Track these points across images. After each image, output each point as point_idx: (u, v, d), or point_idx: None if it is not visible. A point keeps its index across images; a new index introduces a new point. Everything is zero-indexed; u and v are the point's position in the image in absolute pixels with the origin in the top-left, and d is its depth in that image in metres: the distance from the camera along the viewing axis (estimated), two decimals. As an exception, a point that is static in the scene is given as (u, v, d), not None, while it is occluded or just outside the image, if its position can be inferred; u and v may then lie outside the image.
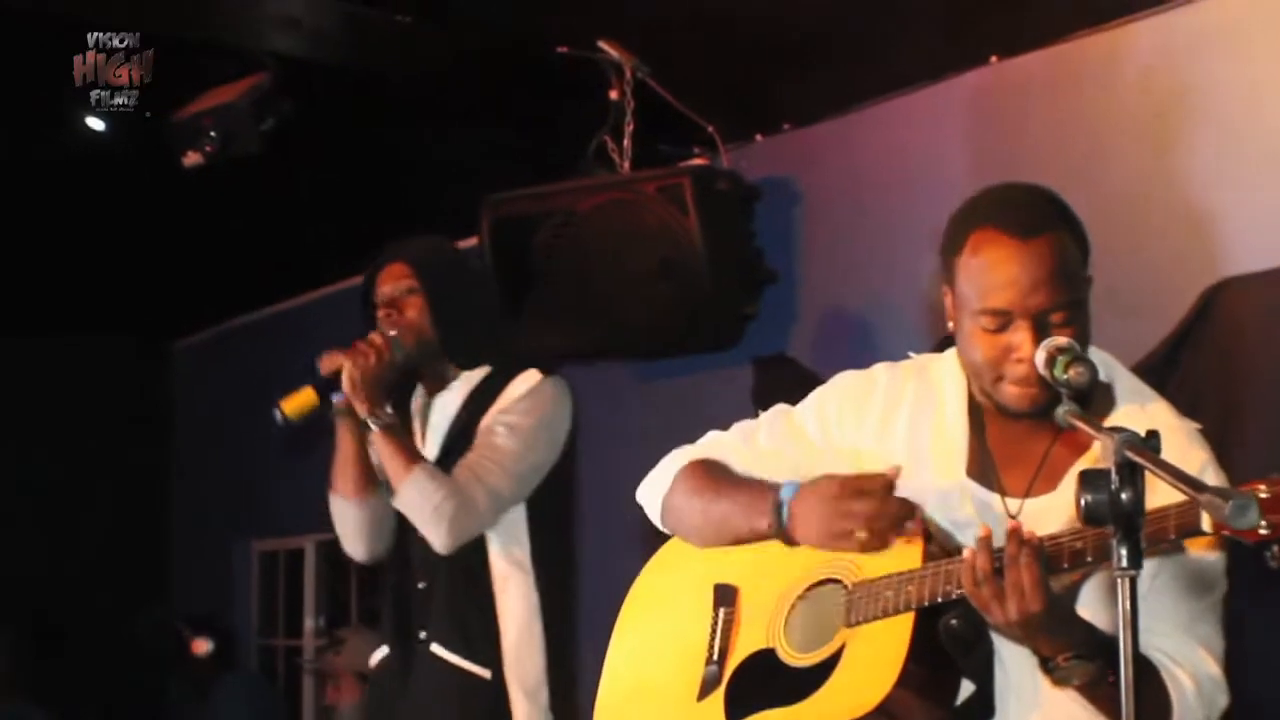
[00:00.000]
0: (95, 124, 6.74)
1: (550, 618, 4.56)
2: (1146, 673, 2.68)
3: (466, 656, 4.50)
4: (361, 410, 4.45)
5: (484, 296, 4.93)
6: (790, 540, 3.07)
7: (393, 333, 4.52)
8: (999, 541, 2.66)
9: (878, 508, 2.91)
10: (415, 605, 4.61)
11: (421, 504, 4.40)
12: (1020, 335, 2.78)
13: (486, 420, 4.55)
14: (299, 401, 4.43)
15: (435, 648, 4.53)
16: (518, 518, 4.58)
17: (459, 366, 4.68)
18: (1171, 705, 2.74)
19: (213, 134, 5.78)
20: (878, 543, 2.93)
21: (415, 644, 4.59)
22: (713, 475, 3.27)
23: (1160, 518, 2.47)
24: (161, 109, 5.91)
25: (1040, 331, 2.77)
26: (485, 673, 4.49)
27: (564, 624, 4.63)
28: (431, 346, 4.61)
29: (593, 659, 3.54)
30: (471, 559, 4.53)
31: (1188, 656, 2.77)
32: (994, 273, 2.81)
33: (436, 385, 4.73)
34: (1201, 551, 2.79)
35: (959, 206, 3.00)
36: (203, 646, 8.95)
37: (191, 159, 5.87)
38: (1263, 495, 2.25)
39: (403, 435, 4.54)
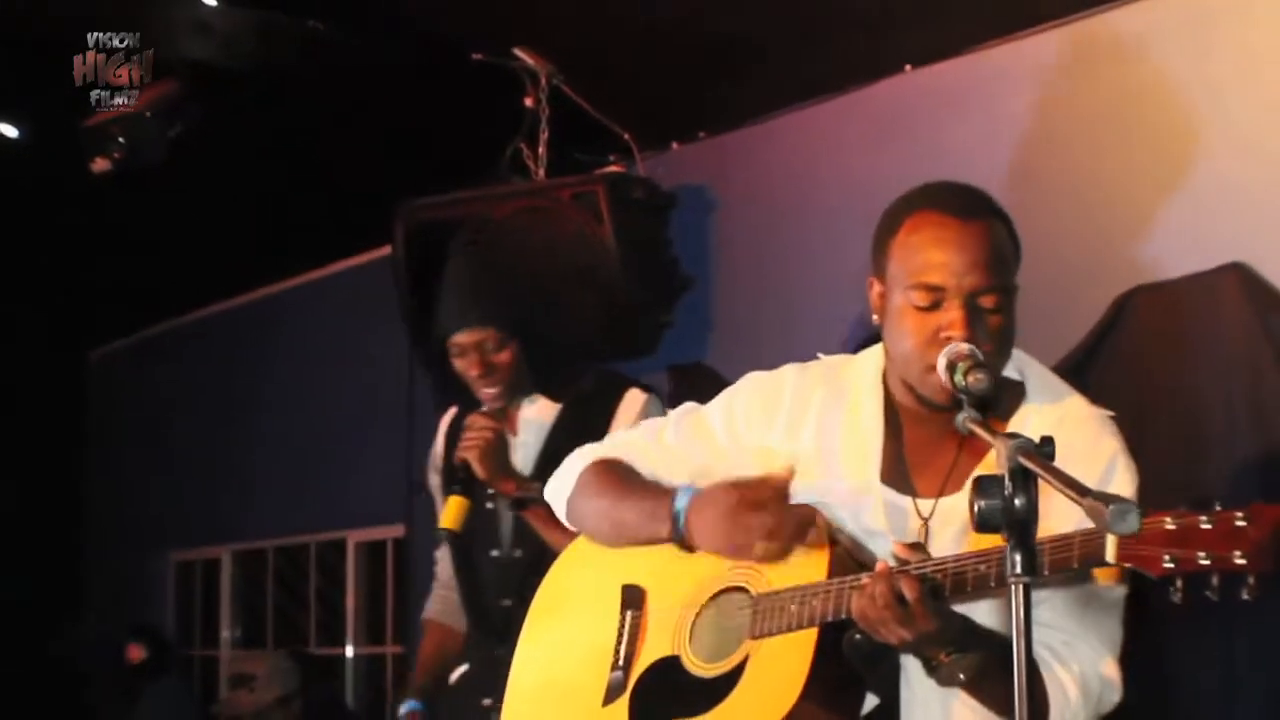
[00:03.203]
0: (7, 131, 6.67)
1: None
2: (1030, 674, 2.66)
3: None
4: (507, 489, 4.32)
5: (576, 324, 4.70)
6: (690, 548, 3.04)
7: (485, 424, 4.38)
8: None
9: (775, 520, 2.87)
10: (499, 621, 4.38)
11: None
12: (952, 314, 2.75)
13: None
14: (451, 511, 4.34)
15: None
16: None
17: (552, 399, 4.49)
18: (1049, 707, 2.70)
19: (121, 140, 5.72)
20: (777, 554, 2.90)
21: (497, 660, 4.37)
22: (614, 478, 3.24)
23: (1064, 545, 2.43)
24: (71, 115, 5.86)
25: (972, 313, 2.74)
26: None
27: None
28: (524, 384, 4.45)
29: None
30: None
31: (1077, 653, 2.74)
32: (931, 250, 2.79)
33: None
34: None
35: (893, 202, 2.98)
36: (138, 653, 9.19)
37: (100, 165, 5.81)
38: (1169, 527, 2.23)
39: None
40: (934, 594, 2.57)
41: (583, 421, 4.32)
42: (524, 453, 4.49)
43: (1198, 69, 4.94)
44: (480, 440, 4.34)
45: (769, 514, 2.89)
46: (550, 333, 4.48)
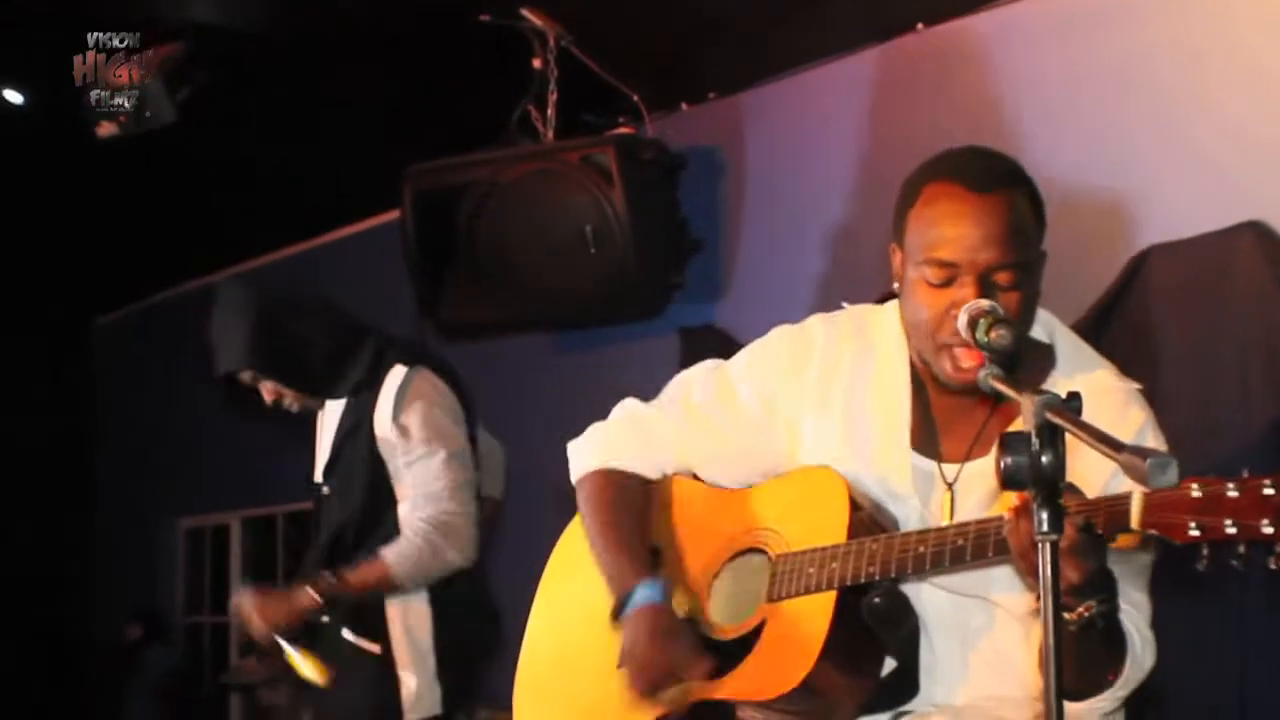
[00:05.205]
0: (13, 97, 6.65)
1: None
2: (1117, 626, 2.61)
3: (357, 631, 4.61)
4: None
5: (313, 332, 4.79)
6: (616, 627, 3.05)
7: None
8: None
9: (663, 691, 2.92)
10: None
11: (422, 565, 4.49)
12: (965, 291, 2.70)
13: (385, 432, 4.62)
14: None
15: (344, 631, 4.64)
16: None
17: (331, 399, 4.82)
18: (1125, 656, 2.65)
19: (126, 104, 5.69)
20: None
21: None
22: (611, 511, 3.19)
23: (1089, 511, 2.37)
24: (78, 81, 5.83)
25: (985, 290, 2.69)
26: (375, 647, 4.58)
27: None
28: (305, 397, 4.83)
29: (510, 623, 3.49)
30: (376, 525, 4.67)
31: (1126, 614, 2.69)
32: (945, 224, 2.73)
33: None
34: None
35: (914, 170, 2.93)
36: (135, 632, 9.78)
37: (106, 130, 5.78)
38: (1195, 494, 2.19)
39: (347, 579, 4.58)
40: (1088, 530, 2.39)
41: (357, 413, 4.71)
42: (325, 437, 4.88)
43: (1215, 26, 4.92)
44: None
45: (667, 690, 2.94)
46: (292, 360, 4.74)
